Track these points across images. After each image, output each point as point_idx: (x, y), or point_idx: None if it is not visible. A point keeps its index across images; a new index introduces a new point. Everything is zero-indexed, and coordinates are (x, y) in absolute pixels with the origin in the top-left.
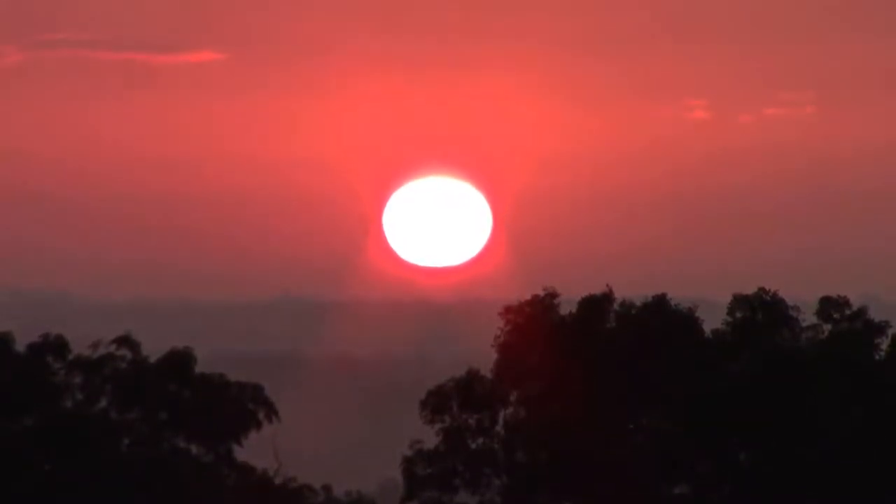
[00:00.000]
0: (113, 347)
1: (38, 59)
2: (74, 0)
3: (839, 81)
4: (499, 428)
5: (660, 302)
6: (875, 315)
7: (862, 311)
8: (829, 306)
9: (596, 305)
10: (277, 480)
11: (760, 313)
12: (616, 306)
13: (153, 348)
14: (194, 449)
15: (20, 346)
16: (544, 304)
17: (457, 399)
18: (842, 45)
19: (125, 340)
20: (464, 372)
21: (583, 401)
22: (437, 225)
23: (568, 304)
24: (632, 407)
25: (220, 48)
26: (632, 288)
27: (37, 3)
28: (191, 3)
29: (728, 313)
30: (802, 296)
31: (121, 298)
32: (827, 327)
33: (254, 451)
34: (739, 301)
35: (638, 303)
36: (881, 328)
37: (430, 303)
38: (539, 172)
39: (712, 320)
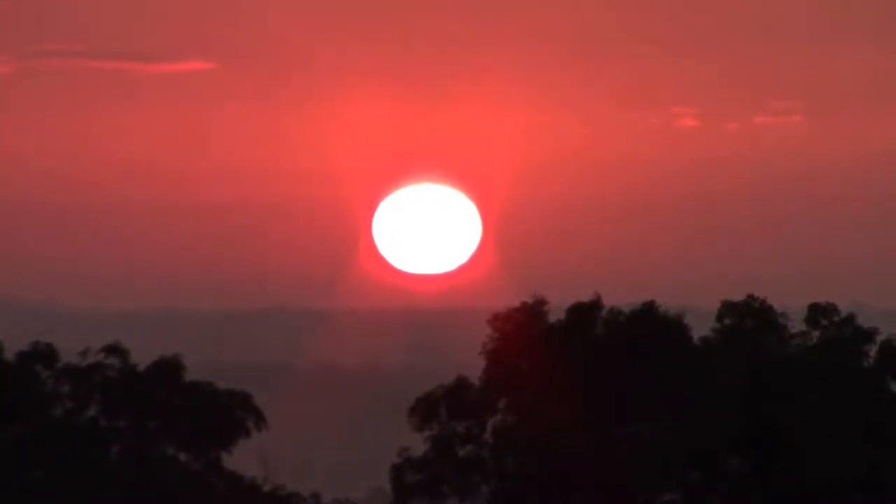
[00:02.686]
0: (102, 356)
1: (30, 68)
2: (67, 11)
3: (827, 91)
4: (487, 435)
5: (648, 309)
6: (863, 322)
7: (850, 318)
8: (818, 313)
9: (584, 312)
10: (266, 488)
11: (749, 320)
12: (604, 313)
13: (143, 357)
14: (183, 457)
15: (9, 355)
16: (533, 312)
17: (445, 406)
18: (830, 54)
19: (114, 349)
20: (452, 380)
21: (571, 408)
22: (427, 231)
23: (556, 312)
24: (620, 414)
25: (210, 58)
26: (620, 295)
27: (30, 13)
28: (182, 13)
29: (717, 320)
30: (791, 303)
31: (111, 308)
32: (816, 334)
33: (242, 459)
34: (728, 308)
35: (626, 310)
36: (869, 335)
37: (418, 311)
38: (527, 179)
39: (701, 328)
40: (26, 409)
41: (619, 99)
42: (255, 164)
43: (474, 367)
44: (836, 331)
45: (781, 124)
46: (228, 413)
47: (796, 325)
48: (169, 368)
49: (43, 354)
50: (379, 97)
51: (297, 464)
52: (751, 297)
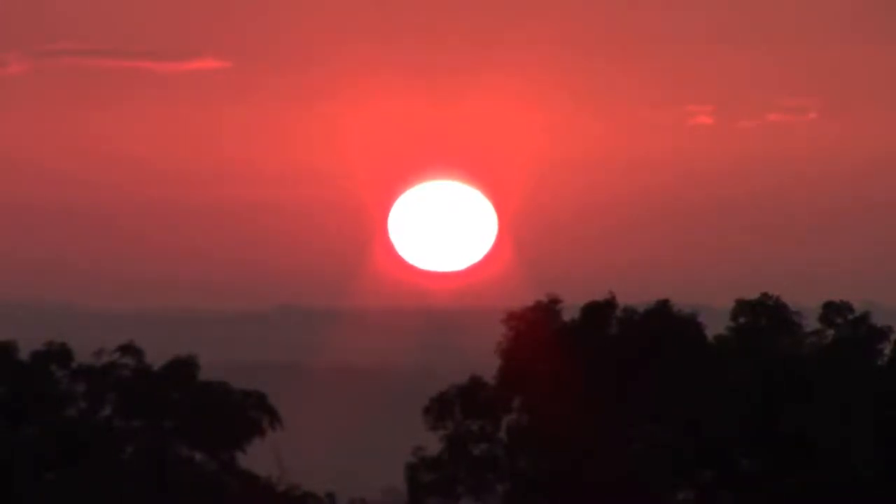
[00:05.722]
0: (116, 355)
1: (42, 67)
2: (78, 9)
3: (842, 88)
4: (501, 434)
5: (662, 308)
6: (877, 320)
7: (865, 317)
8: (832, 311)
9: (598, 311)
10: (281, 488)
11: (763, 318)
12: (619, 312)
13: (158, 358)
14: (198, 456)
15: (24, 355)
16: (547, 311)
17: (460, 405)
18: (845, 51)
19: (129, 348)
20: (467, 379)
21: (585, 407)
22: (442, 229)
23: (571, 310)
24: (634, 413)
25: (223, 56)
26: (634, 294)
27: (40, 12)
28: (194, 11)
29: (731, 318)
30: (805, 301)
31: (125, 308)
32: (830, 332)
33: (257, 458)
34: (742, 306)
35: (641, 309)
36: (884, 333)
37: (433, 310)
38: (542, 177)
39: (715, 327)
40: (41, 409)
41: (634, 97)
42: (270, 162)
43: (489, 367)
44: (851, 329)
45: (796, 122)
46: (243, 413)
47: (811, 323)
48: (183, 368)
49: (57, 354)
50: (395, 94)
51: (312, 463)
52: (765, 295)
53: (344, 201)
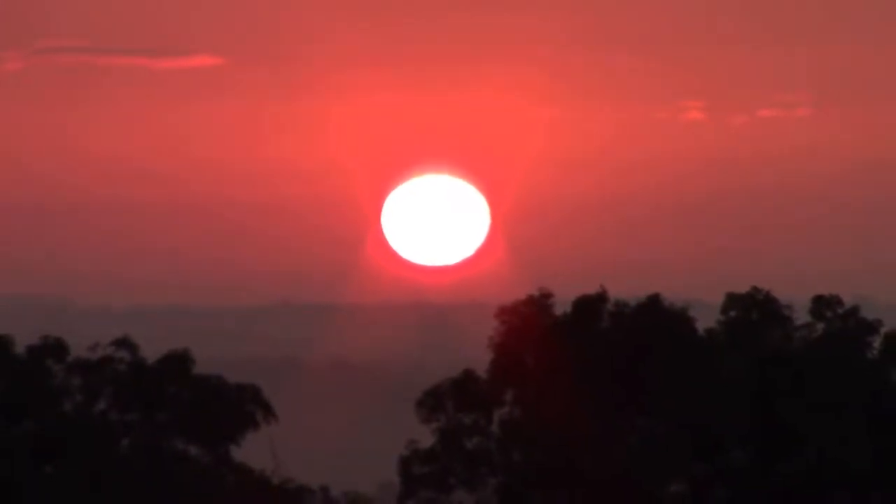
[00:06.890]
0: (111, 350)
1: (39, 65)
2: (75, 7)
3: (833, 84)
4: (494, 428)
5: (653, 302)
6: (867, 314)
7: (854, 310)
8: (822, 305)
9: (590, 306)
10: (275, 481)
11: (754, 312)
12: (610, 306)
13: (153, 353)
14: (193, 450)
15: (20, 349)
16: (539, 305)
17: (452, 399)
18: (837, 47)
19: (123, 342)
20: (459, 372)
21: (577, 400)
22: (436, 223)
23: (563, 305)
24: (626, 406)
25: (218, 52)
26: (626, 288)
27: (37, 10)
28: (190, 8)
29: (721, 312)
30: (795, 295)
31: (122, 304)
32: (820, 326)
33: (252, 452)
34: (733, 300)
35: (632, 303)
36: (873, 327)
37: (426, 304)
38: (535, 171)
39: (706, 321)
40: (37, 403)
41: (626, 93)
42: (265, 159)
43: (482, 361)
44: (841, 323)
45: (788, 117)
46: (238, 406)
47: (801, 317)
48: (178, 362)
49: (53, 348)
50: (386, 89)
51: (306, 456)
52: (755, 289)
53: (337, 197)
